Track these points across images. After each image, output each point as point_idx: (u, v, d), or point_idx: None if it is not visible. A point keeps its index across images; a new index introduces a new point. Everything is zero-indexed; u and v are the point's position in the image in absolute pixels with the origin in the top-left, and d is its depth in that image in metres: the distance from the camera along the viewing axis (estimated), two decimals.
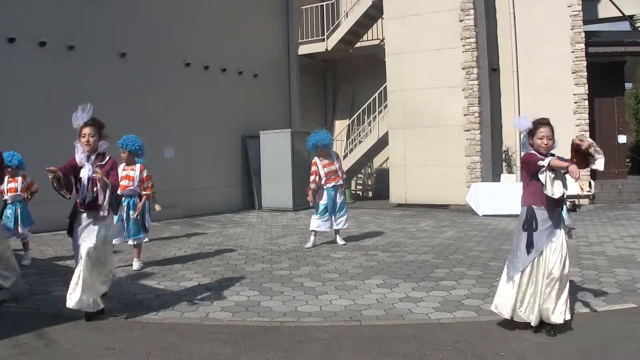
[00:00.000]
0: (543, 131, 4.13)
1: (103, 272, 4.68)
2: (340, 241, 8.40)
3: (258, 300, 5.25)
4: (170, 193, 12.09)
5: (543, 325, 4.14)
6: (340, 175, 8.35)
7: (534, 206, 4.15)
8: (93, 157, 4.64)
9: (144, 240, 7.11)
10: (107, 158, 4.74)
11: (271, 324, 4.53)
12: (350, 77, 18.41)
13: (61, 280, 6.00)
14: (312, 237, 8.28)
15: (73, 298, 4.48)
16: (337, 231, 8.46)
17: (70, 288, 4.52)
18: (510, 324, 4.33)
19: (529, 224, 4.14)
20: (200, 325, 4.52)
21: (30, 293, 5.61)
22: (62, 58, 10.45)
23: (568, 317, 4.14)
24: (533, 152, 4.18)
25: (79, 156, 4.65)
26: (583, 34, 13.41)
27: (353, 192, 17.56)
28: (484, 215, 11.57)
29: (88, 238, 4.59)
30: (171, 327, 4.47)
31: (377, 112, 15.91)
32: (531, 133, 4.20)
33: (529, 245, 4.12)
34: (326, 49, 16.15)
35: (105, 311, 4.71)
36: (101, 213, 4.61)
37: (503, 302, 4.25)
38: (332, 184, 8.28)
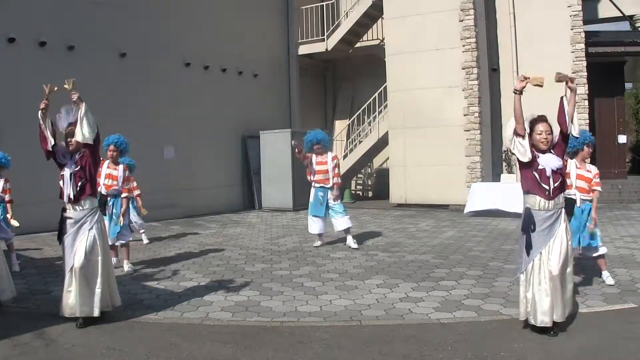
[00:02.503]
0: (541, 127, 4.18)
1: (102, 273, 4.64)
2: (352, 244, 7.99)
3: (258, 300, 5.25)
4: (170, 193, 12.11)
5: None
6: (330, 177, 8.07)
7: (532, 208, 4.18)
8: (77, 156, 4.71)
9: (129, 239, 6.91)
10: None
11: (271, 324, 4.53)
12: (350, 77, 18.40)
13: (61, 281, 5.97)
14: (316, 237, 8.29)
15: (90, 306, 4.48)
16: (346, 232, 8.15)
17: (80, 299, 4.48)
18: (511, 324, 4.33)
19: (527, 225, 4.18)
20: (200, 325, 4.52)
21: (30, 293, 5.62)
22: (62, 58, 10.44)
23: (568, 313, 4.13)
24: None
25: (60, 152, 4.69)
26: (583, 34, 13.40)
27: (353, 192, 17.54)
28: (478, 210, 11.59)
29: (78, 249, 4.54)
30: (171, 327, 4.47)
31: (377, 112, 15.90)
32: (530, 131, 4.23)
33: (528, 247, 4.15)
34: (326, 49, 16.14)
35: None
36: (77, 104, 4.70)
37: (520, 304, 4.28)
38: (320, 185, 8.14)
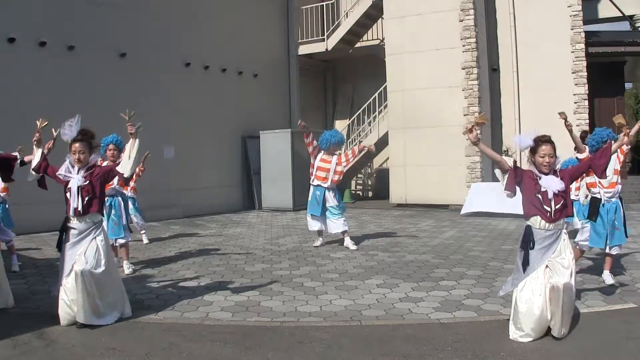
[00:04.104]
0: (545, 149, 4.14)
1: (107, 280, 4.59)
2: (350, 245, 7.95)
3: (258, 300, 5.25)
4: (170, 193, 12.11)
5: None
6: (329, 177, 8.06)
7: (533, 227, 4.16)
8: (83, 171, 4.65)
9: (128, 239, 6.84)
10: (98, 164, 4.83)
11: (271, 324, 4.53)
12: (350, 77, 18.41)
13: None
14: (316, 236, 8.28)
15: (87, 315, 4.41)
16: (344, 233, 8.14)
17: (79, 306, 4.41)
18: None
19: (526, 243, 4.16)
20: (200, 325, 4.51)
21: (30, 293, 5.61)
22: (62, 58, 10.45)
23: (565, 332, 4.07)
24: (533, 169, 4.23)
25: (64, 169, 4.66)
26: (583, 34, 13.42)
27: (353, 192, 17.55)
28: (476, 212, 11.61)
29: (81, 255, 4.48)
30: (171, 327, 4.46)
31: (377, 112, 15.92)
32: (533, 150, 4.22)
33: (525, 263, 4.13)
34: (326, 49, 16.15)
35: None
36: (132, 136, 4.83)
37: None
38: (318, 183, 8.15)
